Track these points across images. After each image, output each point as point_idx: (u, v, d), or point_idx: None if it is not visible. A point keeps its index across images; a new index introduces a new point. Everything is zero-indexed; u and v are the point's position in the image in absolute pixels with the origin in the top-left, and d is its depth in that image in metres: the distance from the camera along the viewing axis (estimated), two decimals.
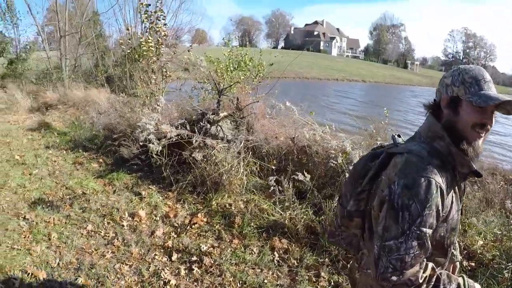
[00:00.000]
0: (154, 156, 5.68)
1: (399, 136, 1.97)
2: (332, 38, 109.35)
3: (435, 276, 1.67)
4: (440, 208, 1.62)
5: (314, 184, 4.96)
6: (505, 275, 4.29)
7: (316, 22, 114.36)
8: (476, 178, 1.83)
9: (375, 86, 52.21)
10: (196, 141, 5.35)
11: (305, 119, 6.09)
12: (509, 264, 4.41)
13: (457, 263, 2.17)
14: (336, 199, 4.37)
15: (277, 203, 4.83)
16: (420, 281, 1.61)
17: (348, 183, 2.02)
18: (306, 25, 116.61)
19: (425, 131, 1.80)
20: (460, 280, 1.76)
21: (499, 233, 5.07)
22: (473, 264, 4.30)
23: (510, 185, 7.04)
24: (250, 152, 5.53)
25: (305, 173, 4.79)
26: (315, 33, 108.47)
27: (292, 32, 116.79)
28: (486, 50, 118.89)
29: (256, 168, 5.49)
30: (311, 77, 47.06)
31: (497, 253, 4.61)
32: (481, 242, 4.77)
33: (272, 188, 4.82)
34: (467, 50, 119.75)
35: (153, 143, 5.47)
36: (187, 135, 5.49)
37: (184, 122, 5.87)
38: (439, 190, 1.60)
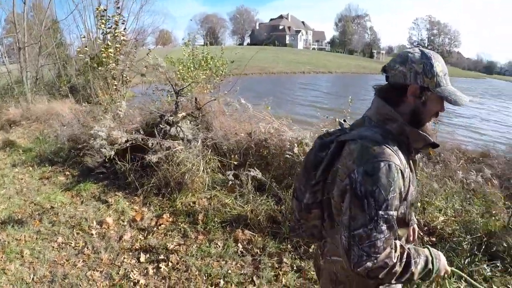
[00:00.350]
0: (118, 162, 5.76)
1: (344, 121, 2.01)
2: (298, 32, 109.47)
3: (405, 253, 1.71)
4: (402, 189, 1.65)
5: (273, 175, 5.14)
6: (464, 247, 4.51)
7: (281, 16, 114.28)
8: (432, 148, 1.88)
9: (341, 77, 52.61)
10: (152, 144, 5.43)
11: (262, 113, 6.23)
12: (468, 236, 4.64)
13: (415, 225, 2.23)
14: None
15: (238, 197, 5.03)
16: (394, 260, 1.64)
17: (301, 176, 2.00)
18: (271, 19, 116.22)
19: (375, 115, 1.81)
20: (426, 251, 1.83)
21: (460, 208, 5.30)
22: (434, 239, 4.52)
23: (471, 163, 7.32)
24: (210, 150, 5.67)
25: (261, 167, 5.01)
26: (280, 27, 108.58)
27: (257, 27, 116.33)
28: (451, 36, 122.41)
29: (217, 165, 5.62)
30: (277, 72, 47.08)
31: (457, 227, 4.82)
32: (442, 218, 4.98)
33: (230, 183, 4.98)
34: (432, 37, 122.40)
35: (105, 148, 5.54)
36: (142, 139, 5.57)
37: (138, 126, 5.94)
38: (399, 172, 1.62)
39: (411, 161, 1.82)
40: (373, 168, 1.59)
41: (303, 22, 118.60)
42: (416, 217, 4.86)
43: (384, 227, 1.59)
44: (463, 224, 4.86)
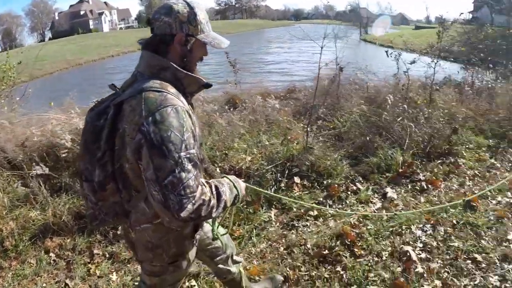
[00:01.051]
0: None
1: (114, 85, 2.03)
2: (101, 14, 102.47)
3: (213, 185, 1.84)
4: (193, 128, 1.74)
5: (73, 172, 4.97)
6: (268, 177, 4.88)
7: (81, 1, 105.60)
8: (205, 89, 2.01)
9: None
10: None
11: (48, 113, 5.95)
12: (270, 166, 5.02)
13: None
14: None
15: (38, 206, 4.87)
16: (209, 195, 1.74)
17: (84, 154, 1.93)
18: (71, 6, 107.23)
19: (146, 69, 1.86)
20: (226, 179, 2.03)
21: (264, 144, 5.68)
22: (243, 179, 4.84)
23: (279, 101, 7.93)
24: None
25: (63, 167, 4.78)
26: (82, 12, 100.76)
27: (57, 18, 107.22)
28: None
29: (12, 180, 5.20)
30: (85, 62, 43.66)
31: (263, 162, 5.19)
32: (250, 158, 5.30)
33: (23, 193, 4.73)
34: None
35: None
36: None
37: None
38: (186, 113, 1.71)
39: (189, 105, 1.91)
40: (161, 115, 1.63)
41: (105, 3, 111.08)
42: (220, 164, 5.16)
43: (190, 166, 1.65)
44: (268, 158, 5.25)
